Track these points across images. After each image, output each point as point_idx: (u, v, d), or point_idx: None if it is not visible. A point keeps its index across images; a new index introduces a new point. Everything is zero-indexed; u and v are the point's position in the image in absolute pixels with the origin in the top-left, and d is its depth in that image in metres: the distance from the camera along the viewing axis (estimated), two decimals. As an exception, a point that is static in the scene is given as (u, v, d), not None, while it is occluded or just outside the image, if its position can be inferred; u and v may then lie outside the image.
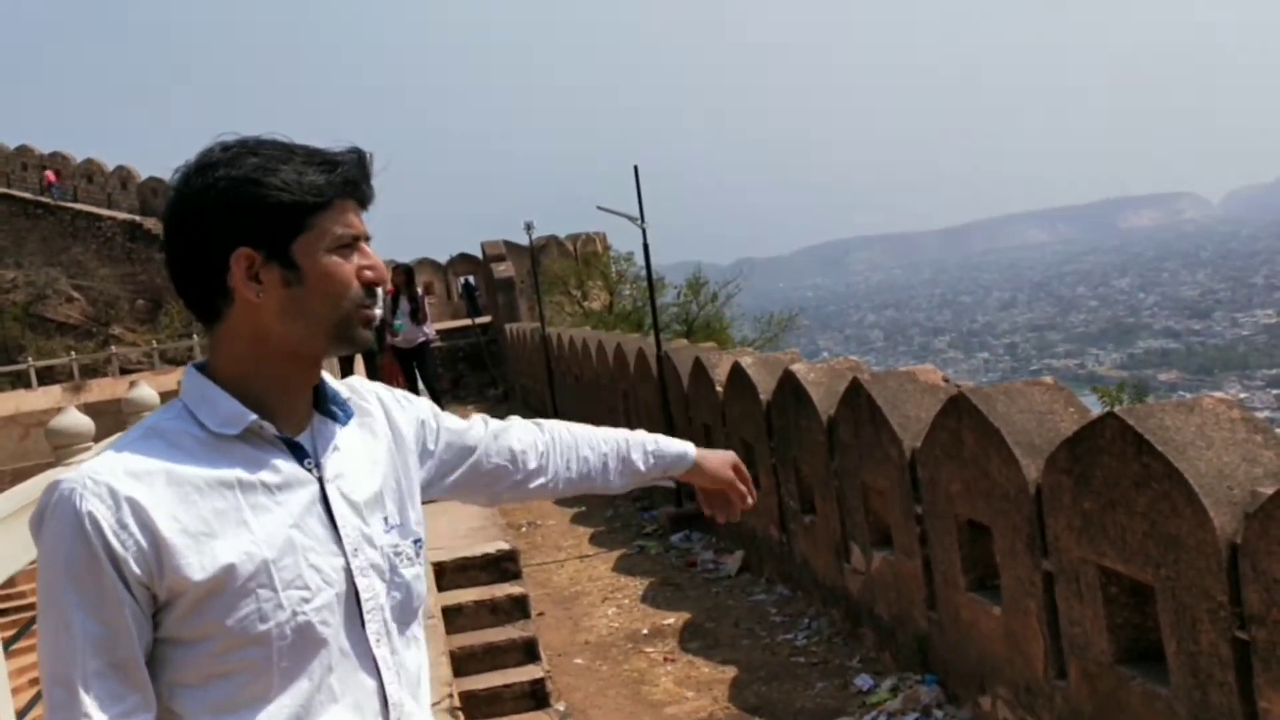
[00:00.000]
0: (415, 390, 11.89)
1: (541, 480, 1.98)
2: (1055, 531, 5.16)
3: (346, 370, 11.39)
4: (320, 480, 1.53)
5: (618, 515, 13.46)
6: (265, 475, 1.48)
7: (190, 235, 1.49)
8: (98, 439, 4.52)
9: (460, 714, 5.20)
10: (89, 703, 1.36)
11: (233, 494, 1.45)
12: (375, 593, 1.54)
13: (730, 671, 7.76)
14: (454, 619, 6.63)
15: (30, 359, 33.84)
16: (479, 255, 35.84)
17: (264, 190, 1.47)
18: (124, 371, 33.31)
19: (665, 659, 8.26)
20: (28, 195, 42.15)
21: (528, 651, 6.72)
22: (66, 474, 1.42)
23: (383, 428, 1.67)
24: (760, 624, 8.73)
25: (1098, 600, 4.88)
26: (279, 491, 1.49)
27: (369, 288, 1.55)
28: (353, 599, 1.51)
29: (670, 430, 12.27)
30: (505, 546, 7.47)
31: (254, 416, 1.48)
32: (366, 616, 1.52)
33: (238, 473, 1.46)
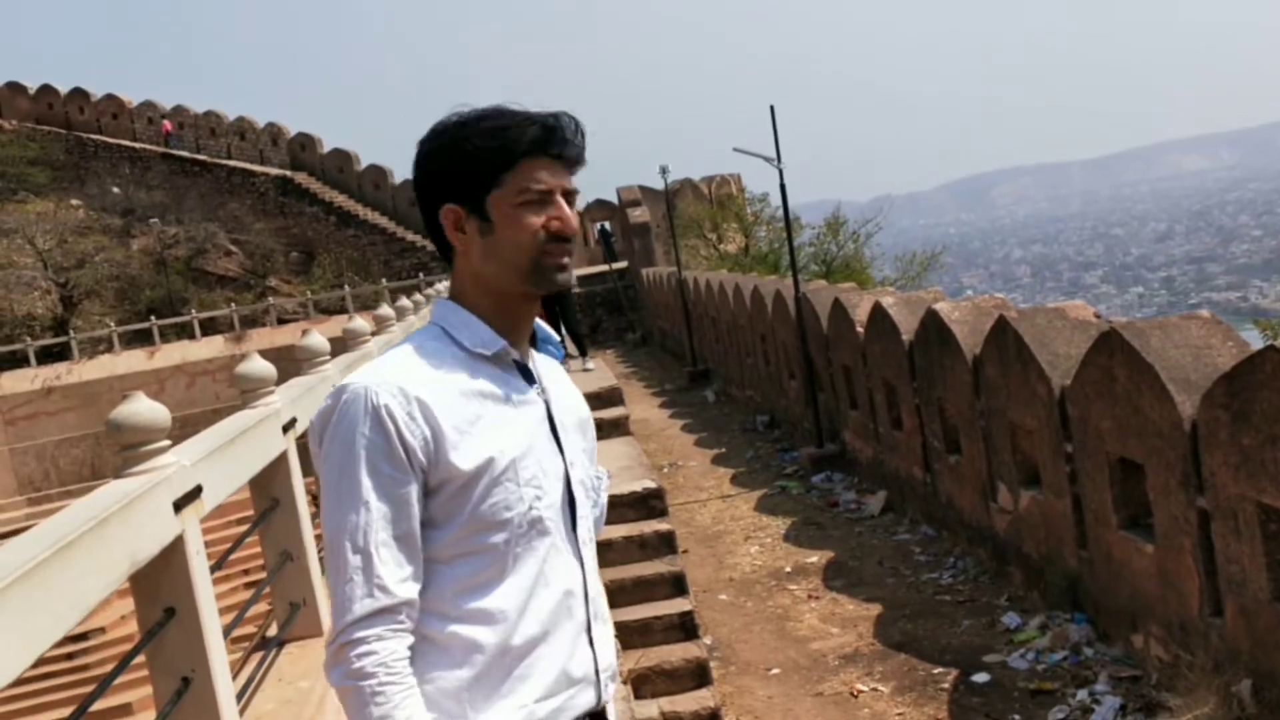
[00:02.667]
0: (559, 333, 12.15)
1: None
2: (1211, 468, 5.05)
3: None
4: (546, 402, 1.79)
5: (758, 456, 13.56)
6: (510, 391, 1.75)
7: (418, 195, 1.78)
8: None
9: (616, 641, 5.41)
10: (381, 567, 1.60)
11: (488, 402, 1.71)
12: (586, 505, 1.82)
13: (875, 609, 7.83)
14: (604, 553, 6.84)
15: (193, 310, 35.50)
16: (615, 201, 36.03)
17: (461, 154, 1.72)
18: (281, 321, 34.66)
19: (809, 596, 8.37)
20: (185, 154, 44.03)
21: (676, 585, 6.90)
22: (353, 379, 1.67)
23: (572, 381, 1.93)
24: (904, 563, 8.75)
25: (1256, 537, 4.78)
26: (521, 405, 1.75)
27: (556, 236, 1.73)
28: (569, 503, 1.78)
29: (810, 373, 12.27)
30: (652, 485, 7.64)
31: (505, 342, 1.75)
32: (579, 520, 1.79)
33: (491, 386, 1.73)
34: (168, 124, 45.01)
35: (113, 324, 35.11)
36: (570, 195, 1.77)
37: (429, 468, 1.65)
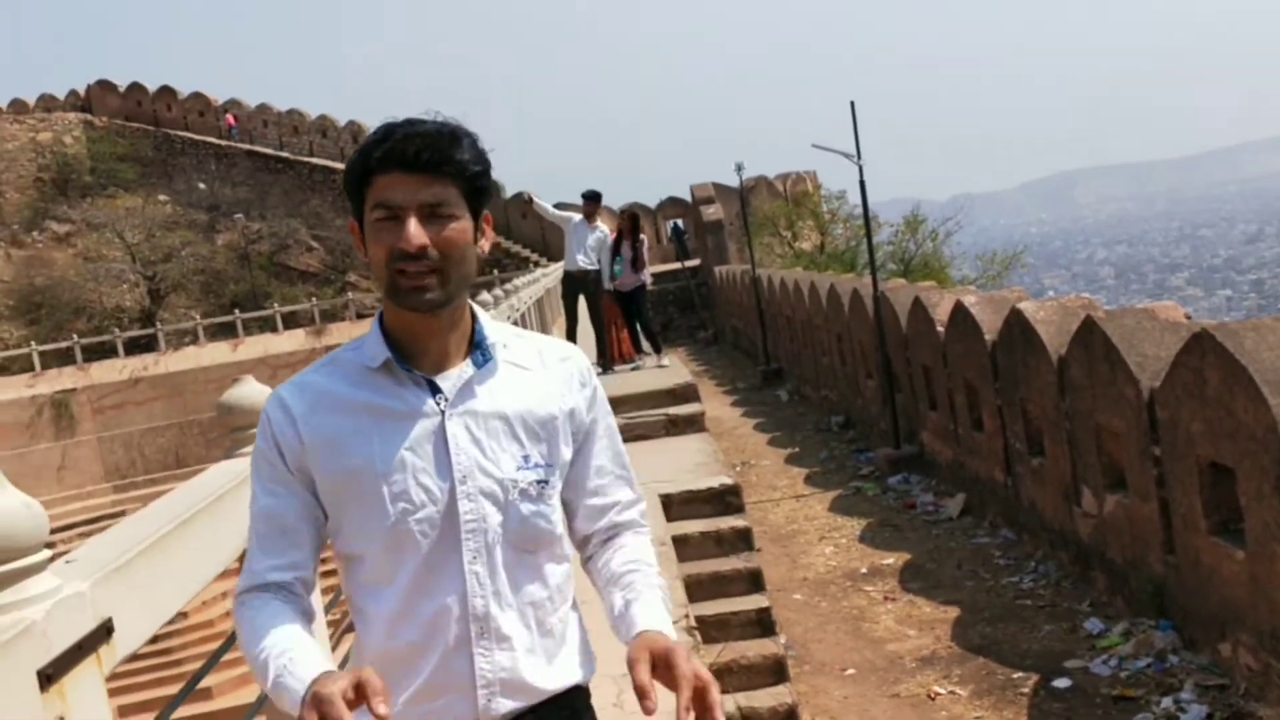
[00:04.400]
0: (633, 331, 12.17)
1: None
2: (1308, 474, 4.91)
3: (571, 314, 11.76)
4: (442, 413, 1.75)
5: (832, 457, 13.46)
6: (394, 404, 1.74)
7: None
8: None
9: (696, 634, 5.41)
10: (253, 558, 1.78)
11: (363, 416, 1.74)
12: (480, 516, 1.74)
13: (953, 612, 7.73)
14: (681, 548, 6.85)
15: (276, 305, 36.27)
16: (687, 199, 36.00)
17: (348, 170, 1.77)
18: (359, 316, 35.26)
19: (885, 598, 8.29)
20: (269, 151, 44.97)
21: (753, 581, 6.88)
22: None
23: (541, 381, 1.83)
24: (984, 566, 8.63)
25: (1356, 546, 4.64)
26: (403, 419, 1.74)
27: (400, 254, 1.68)
28: (454, 518, 1.73)
29: (888, 373, 12.17)
30: (728, 481, 7.63)
31: (388, 355, 1.75)
32: (464, 535, 1.73)
33: (373, 398, 1.75)
34: (230, 117, 46.01)
35: (198, 317, 35.96)
36: (434, 207, 1.70)
37: (304, 470, 1.76)
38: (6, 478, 1.82)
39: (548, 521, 1.81)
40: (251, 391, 2.84)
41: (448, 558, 1.74)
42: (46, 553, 1.80)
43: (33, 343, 34.49)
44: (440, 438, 1.74)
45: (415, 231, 1.67)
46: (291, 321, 35.52)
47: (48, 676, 1.69)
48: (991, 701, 6.30)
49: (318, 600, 1.80)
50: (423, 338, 1.76)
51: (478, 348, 1.80)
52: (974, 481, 9.98)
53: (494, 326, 1.86)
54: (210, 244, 41.54)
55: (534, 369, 1.84)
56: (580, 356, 1.93)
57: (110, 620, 1.88)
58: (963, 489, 10.29)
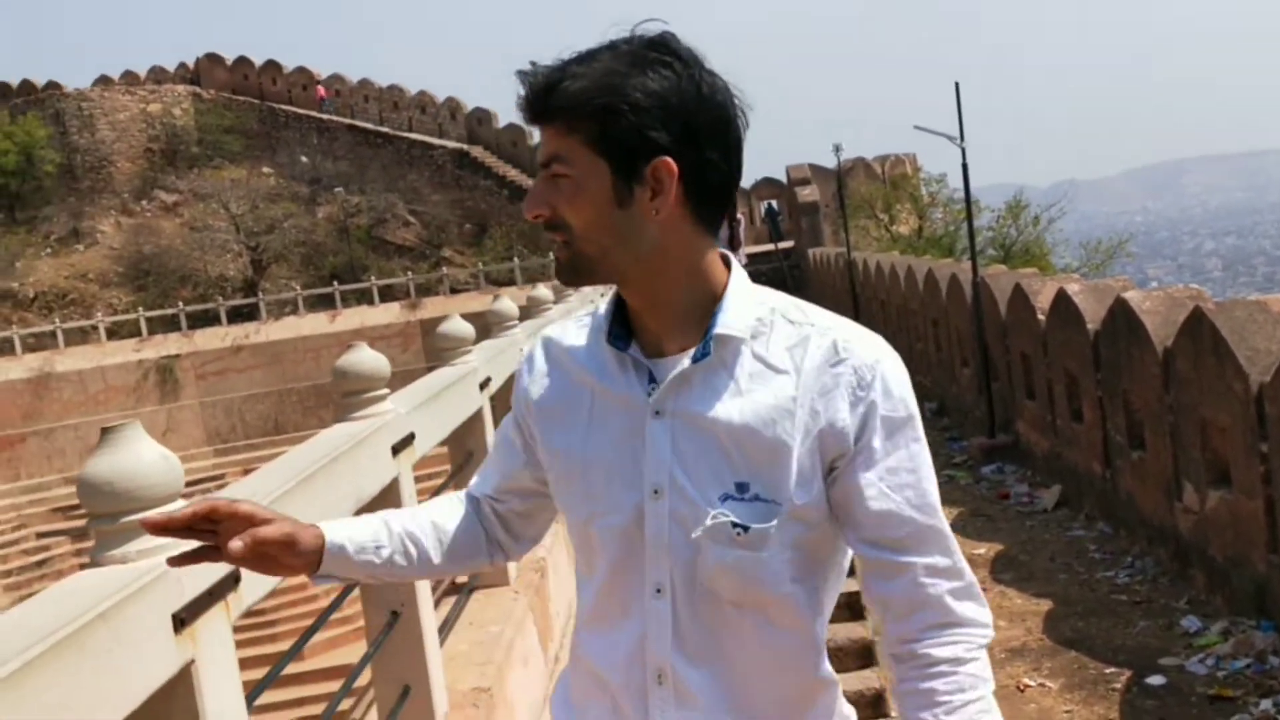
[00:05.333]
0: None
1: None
2: None
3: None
4: (656, 411, 1.42)
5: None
6: (611, 385, 1.46)
7: None
8: (426, 351, 5.00)
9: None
10: (477, 474, 1.72)
11: (586, 391, 1.49)
12: (667, 545, 1.40)
13: (1044, 604, 7.62)
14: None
15: (373, 278, 36.96)
16: (783, 179, 35.75)
17: None
18: (453, 291, 35.74)
19: (976, 587, 8.21)
20: (369, 126, 45.72)
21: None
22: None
23: (788, 389, 1.39)
24: (1078, 559, 8.49)
25: None
26: (615, 405, 1.45)
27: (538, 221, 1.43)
28: (642, 539, 1.42)
29: (985, 361, 11.98)
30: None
31: (604, 328, 1.48)
32: (648, 564, 1.42)
33: (595, 374, 1.48)
34: (321, 89, 46.84)
35: (298, 288, 36.81)
36: (549, 163, 1.39)
37: (530, 428, 1.59)
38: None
39: (760, 576, 1.38)
40: (365, 358, 2.94)
41: (632, 579, 1.44)
42: (181, 503, 1.89)
43: (140, 309, 35.68)
44: (641, 437, 1.42)
45: (528, 197, 1.42)
46: (387, 295, 36.16)
47: (181, 620, 1.78)
48: (1082, 696, 6.21)
49: (496, 528, 1.68)
50: (638, 312, 1.46)
51: (707, 336, 1.40)
52: (1071, 473, 9.80)
53: (747, 306, 1.43)
54: (311, 216, 42.42)
55: (785, 370, 1.39)
56: (869, 355, 1.41)
57: (238, 570, 1.97)
58: (1059, 480, 10.11)
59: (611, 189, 1.37)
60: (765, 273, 31.77)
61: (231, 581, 1.96)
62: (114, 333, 35.13)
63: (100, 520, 1.82)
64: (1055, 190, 32.98)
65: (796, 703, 1.46)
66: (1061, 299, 9.54)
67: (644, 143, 1.35)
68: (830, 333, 1.42)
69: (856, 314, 21.24)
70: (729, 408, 1.39)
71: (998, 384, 11.91)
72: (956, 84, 12.36)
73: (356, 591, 3.04)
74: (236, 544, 1.39)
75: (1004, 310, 11.41)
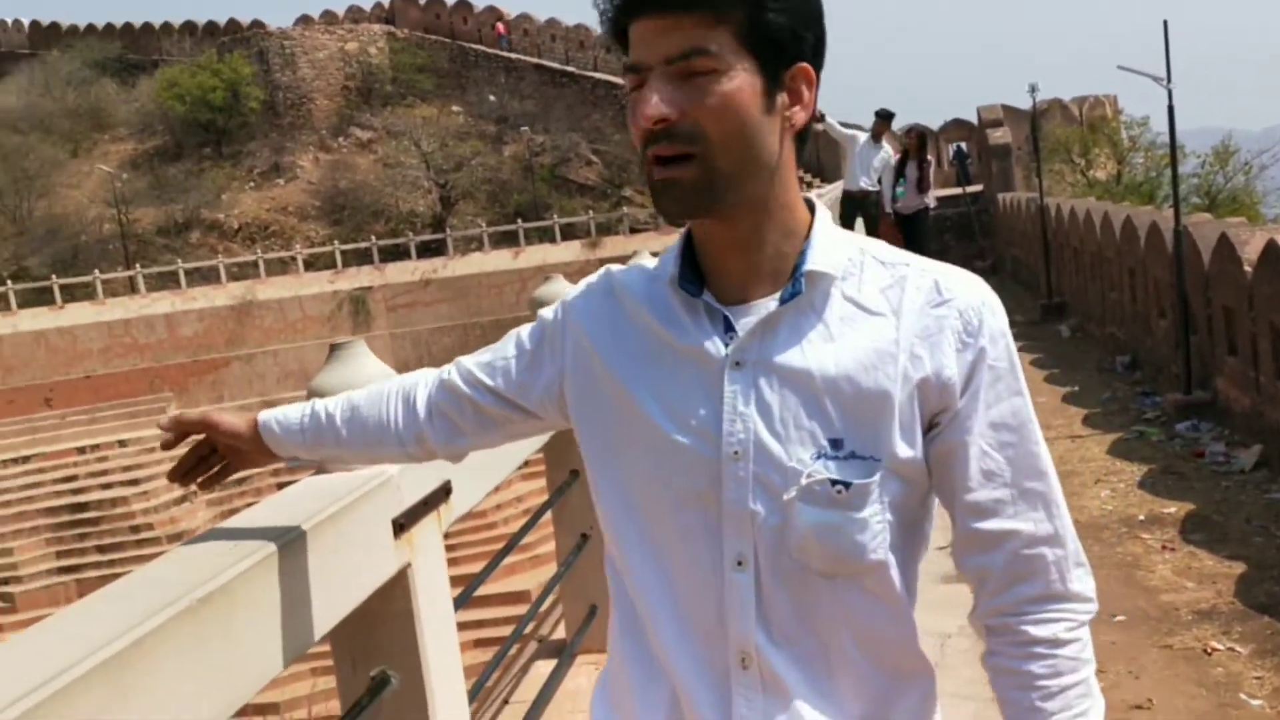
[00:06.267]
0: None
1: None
2: None
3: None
4: (735, 362, 1.25)
5: (1115, 398, 12.85)
6: (677, 334, 1.29)
7: None
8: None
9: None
10: (469, 357, 1.51)
11: (646, 341, 1.31)
12: (749, 511, 1.24)
13: (1238, 567, 7.32)
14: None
15: (555, 216, 37.66)
16: (974, 120, 34.55)
17: (603, 27, 1.29)
18: (632, 230, 36.12)
19: (1164, 547, 7.93)
20: (555, 65, 46.28)
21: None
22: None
23: (887, 333, 1.25)
24: (1276, 522, 8.09)
25: None
26: (682, 357, 1.28)
27: (646, 136, 1.22)
28: (718, 504, 1.26)
29: (1184, 313, 11.44)
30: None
31: (673, 272, 1.30)
32: (725, 532, 1.25)
33: (658, 322, 1.31)
34: (500, 26, 47.45)
35: (483, 224, 37.81)
36: (686, 59, 1.18)
37: (554, 384, 1.40)
38: (316, 367, 2.06)
39: (857, 540, 1.24)
40: (560, 289, 3.05)
41: (705, 552, 1.27)
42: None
43: (335, 242, 37.33)
44: (717, 392, 1.25)
45: (654, 98, 1.19)
46: (569, 233, 36.82)
47: (400, 525, 1.93)
48: (1275, 662, 5.97)
49: (434, 411, 1.50)
50: (720, 253, 1.28)
51: (795, 275, 1.25)
52: (1273, 433, 9.30)
53: (836, 244, 1.29)
54: (497, 155, 43.39)
55: (882, 313, 1.25)
56: (974, 297, 1.28)
57: (449, 483, 2.11)
58: (1260, 440, 9.61)
59: (762, 92, 1.20)
60: (951, 217, 30.85)
61: (443, 494, 2.10)
62: (310, 264, 36.90)
63: (330, 430, 1.97)
64: (1268, 135, 30.87)
65: (893, 689, 1.31)
66: (1271, 250, 9.01)
67: (794, 42, 1.21)
68: (929, 273, 1.29)
69: (1047, 261, 20.47)
70: (822, 355, 1.24)
71: (1196, 337, 11.35)
72: (1165, 23, 11.70)
73: (547, 517, 3.18)
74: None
75: (1207, 261, 10.84)
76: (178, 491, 26.30)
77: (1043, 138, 25.82)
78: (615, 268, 1.41)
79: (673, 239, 1.38)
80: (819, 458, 1.22)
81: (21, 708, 1.08)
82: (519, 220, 37.29)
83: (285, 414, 1.56)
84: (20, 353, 32.11)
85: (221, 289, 34.59)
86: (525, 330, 1.46)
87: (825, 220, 1.31)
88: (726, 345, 1.25)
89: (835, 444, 1.22)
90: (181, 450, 1.61)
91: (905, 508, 1.27)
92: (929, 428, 1.26)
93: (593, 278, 1.42)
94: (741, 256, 1.27)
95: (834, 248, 1.28)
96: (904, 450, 1.23)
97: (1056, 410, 12.60)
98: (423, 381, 1.52)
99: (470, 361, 1.49)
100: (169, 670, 1.32)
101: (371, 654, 1.94)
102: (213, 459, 1.60)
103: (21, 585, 24.01)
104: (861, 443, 1.22)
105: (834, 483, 1.21)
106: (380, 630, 1.94)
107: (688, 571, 1.27)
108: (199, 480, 1.62)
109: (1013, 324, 1.35)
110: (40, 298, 34.48)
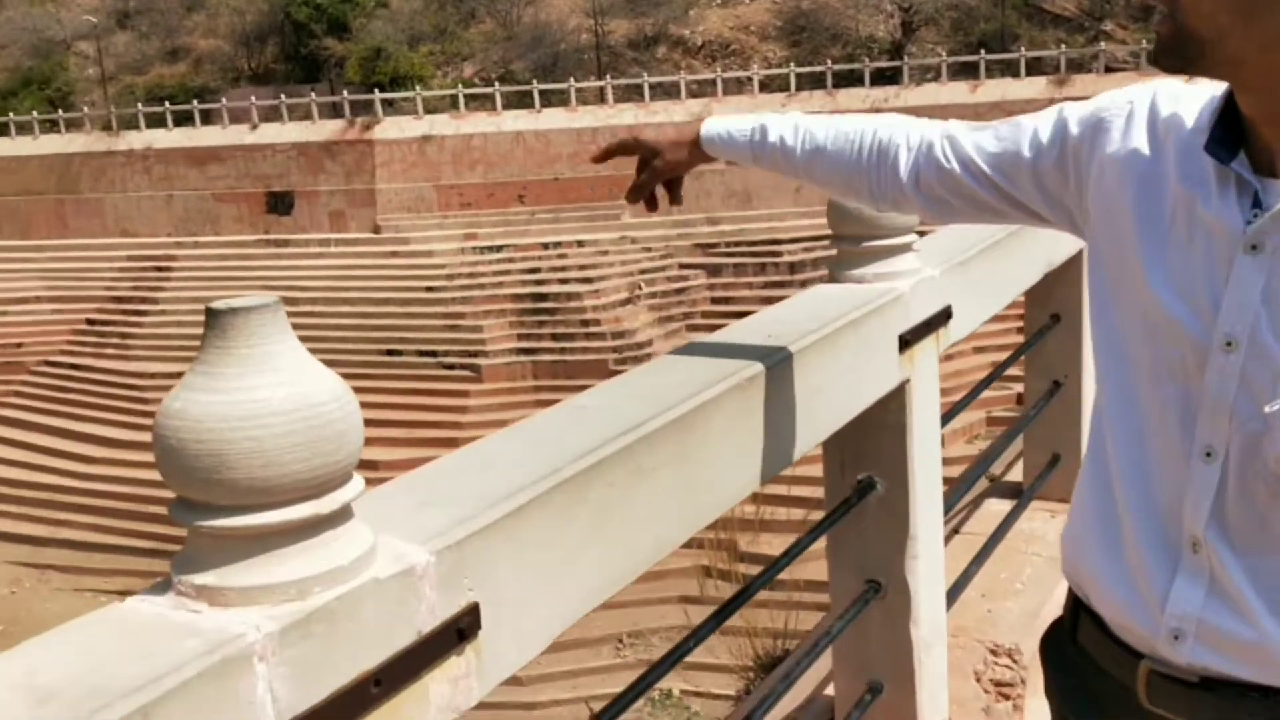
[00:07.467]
0: None
1: None
2: None
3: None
4: (1250, 245, 1.14)
5: None
6: (1200, 197, 1.18)
7: None
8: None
9: None
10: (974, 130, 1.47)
11: (1171, 196, 1.21)
12: (1229, 410, 1.16)
13: None
14: None
15: (1022, 49, 35.29)
16: None
17: None
18: (1108, 70, 33.15)
19: None
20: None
21: None
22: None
23: None
24: None
25: None
26: (1201, 229, 1.18)
27: None
28: (1199, 391, 1.18)
29: None
30: None
31: (1202, 135, 1.18)
32: (1199, 423, 1.19)
33: (1186, 179, 1.20)
34: None
35: (943, 53, 36.22)
36: None
37: (1089, 189, 1.30)
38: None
39: None
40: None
41: (1179, 433, 1.21)
42: (914, 236, 2.07)
43: (792, 64, 37.31)
44: (1224, 273, 1.15)
45: None
46: (1035, 68, 34.43)
47: (905, 341, 2.00)
48: None
49: (916, 169, 1.48)
50: (1254, 121, 1.15)
51: None
52: None
53: None
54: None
55: None
56: None
57: (950, 307, 2.14)
58: None
59: None
60: None
61: (944, 317, 2.13)
62: (765, 86, 37.21)
63: (844, 241, 2.06)
64: None
65: None
66: None
67: None
68: None
69: None
70: None
71: None
72: None
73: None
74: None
75: None
76: (624, 294, 28.33)
77: None
78: (1164, 99, 1.26)
79: (1156, 80, 1.28)
80: None
81: (628, 439, 1.28)
82: (982, 51, 35.37)
83: (729, 130, 1.62)
84: (501, 151, 35.24)
85: (680, 105, 35.85)
86: (1042, 126, 1.36)
87: None
88: (1248, 224, 1.13)
89: None
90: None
91: None
92: None
93: (1137, 109, 1.27)
94: (1274, 127, 1.14)
95: None
96: None
97: None
98: (903, 142, 1.49)
99: (967, 142, 1.43)
100: (720, 429, 1.48)
101: (861, 460, 2.07)
102: (656, 171, 1.67)
103: (488, 359, 27.05)
104: None
105: None
106: (873, 439, 2.05)
107: (1159, 446, 1.23)
108: (646, 198, 1.70)
109: None
110: (521, 101, 37.41)
